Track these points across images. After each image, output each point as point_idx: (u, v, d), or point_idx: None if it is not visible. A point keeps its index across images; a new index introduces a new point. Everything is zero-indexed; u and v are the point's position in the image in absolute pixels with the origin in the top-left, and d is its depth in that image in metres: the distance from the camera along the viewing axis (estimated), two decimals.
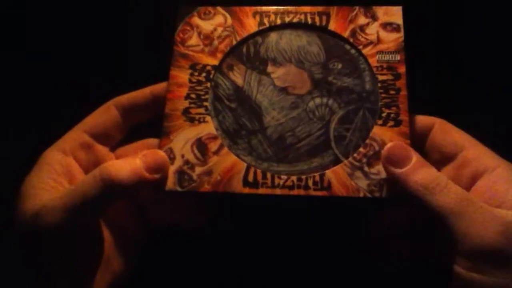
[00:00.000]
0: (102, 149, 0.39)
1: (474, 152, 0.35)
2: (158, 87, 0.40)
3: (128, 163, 0.34)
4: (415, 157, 0.33)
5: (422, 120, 0.37)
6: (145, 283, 0.41)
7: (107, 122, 0.38)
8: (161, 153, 0.36)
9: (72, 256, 0.34)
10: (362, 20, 0.40)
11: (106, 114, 0.39)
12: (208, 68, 0.40)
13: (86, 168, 0.38)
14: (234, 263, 0.42)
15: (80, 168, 0.38)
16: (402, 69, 0.38)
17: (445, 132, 0.36)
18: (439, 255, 0.34)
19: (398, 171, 0.33)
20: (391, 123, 0.37)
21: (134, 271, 0.37)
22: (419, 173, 0.32)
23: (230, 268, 0.42)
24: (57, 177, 0.35)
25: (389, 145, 0.35)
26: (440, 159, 0.36)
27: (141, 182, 0.34)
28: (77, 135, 0.38)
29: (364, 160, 0.36)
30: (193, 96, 0.39)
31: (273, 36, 0.41)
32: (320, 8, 0.41)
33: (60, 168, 0.36)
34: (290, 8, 0.41)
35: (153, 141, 0.39)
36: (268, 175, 0.36)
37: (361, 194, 0.35)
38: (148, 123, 0.39)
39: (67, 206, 0.32)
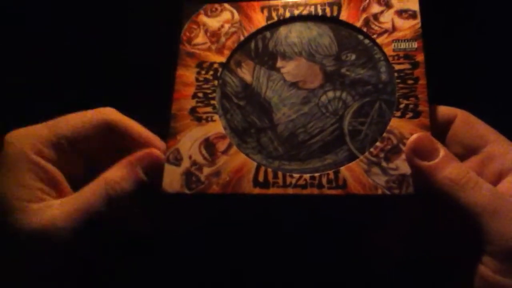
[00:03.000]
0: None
1: (499, 147, 0.32)
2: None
3: (128, 172, 0.34)
4: (442, 150, 0.31)
5: (443, 111, 0.35)
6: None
7: (92, 135, 0.35)
8: (156, 152, 0.35)
9: (75, 267, 0.34)
10: (375, 8, 0.38)
11: (94, 126, 0.35)
12: (215, 65, 0.39)
13: (66, 171, 0.35)
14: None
15: (61, 172, 0.35)
16: (420, 57, 0.36)
17: (468, 125, 0.34)
18: (452, 255, 0.31)
19: (425, 164, 0.31)
20: (409, 114, 0.34)
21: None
22: (448, 167, 0.30)
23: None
24: (43, 186, 0.33)
25: (414, 136, 0.32)
26: (461, 152, 0.34)
27: (142, 186, 0.34)
28: (53, 135, 0.34)
29: (382, 155, 0.34)
30: (200, 95, 0.38)
31: (282, 30, 0.39)
32: None
33: (44, 175, 0.33)
34: (299, 0, 0.40)
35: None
36: (279, 174, 0.34)
37: (379, 192, 0.33)
38: None
39: (77, 227, 0.32)
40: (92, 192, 0.33)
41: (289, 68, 0.38)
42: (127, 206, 0.34)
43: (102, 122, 0.35)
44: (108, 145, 0.36)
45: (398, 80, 0.35)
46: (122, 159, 0.35)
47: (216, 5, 0.41)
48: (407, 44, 0.36)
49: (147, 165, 0.35)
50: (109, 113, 0.36)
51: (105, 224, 0.34)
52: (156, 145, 0.36)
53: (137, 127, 0.37)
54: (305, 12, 0.39)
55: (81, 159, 0.36)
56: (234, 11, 0.40)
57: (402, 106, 0.35)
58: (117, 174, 0.33)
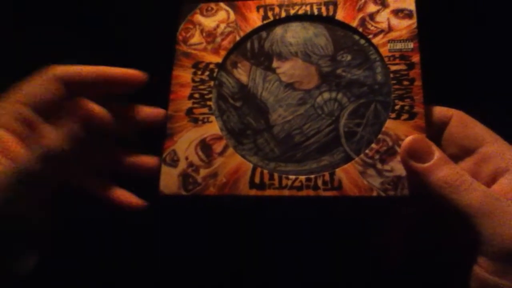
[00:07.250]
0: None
1: (495, 148, 0.32)
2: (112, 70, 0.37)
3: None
4: (437, 152, 0.32)
5: (439, 111, 0.35)
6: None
7: (50, 96, 0.34)
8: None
9: None
10: (371, 7, 0.38)
11: (48, 86, 0.34)
12: (211, 66, 0.39)
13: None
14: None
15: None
16: (416, 58, 0.36)
17: (463, 125, 0.34)
18: (451, 256, 0.32)
19: (420, 166, 0.31)
20: (405, 116, 0.34)
21: None
22: (443, 169, 0.31)
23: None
24: None
25: (409, 138, 0.33)
26: (457, 153, 0.34)
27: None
28: (15, 107, 0.33)
29: (377, 156, 0.34)
30: (196, 95, 0.38)
31: (278, 30, 0.39)
32: None
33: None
34: None
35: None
36: (276, 175, 0.35)
37: (374, 193, 0.33)
38: None
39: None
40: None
41: (285, 69, 0.38)
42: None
43: (54, 80, 0.35)
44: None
45: (394, 81, 0.35)
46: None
47: (212, 5, 0.41)
48: (403, 44, 0.36)
49: None
50: (55, 69, 0.35)
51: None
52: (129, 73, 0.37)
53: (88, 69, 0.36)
54: (301, 12, 0.39)
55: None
56: (230, 10, 0.40)
57: (397, 107, 0.35)
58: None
